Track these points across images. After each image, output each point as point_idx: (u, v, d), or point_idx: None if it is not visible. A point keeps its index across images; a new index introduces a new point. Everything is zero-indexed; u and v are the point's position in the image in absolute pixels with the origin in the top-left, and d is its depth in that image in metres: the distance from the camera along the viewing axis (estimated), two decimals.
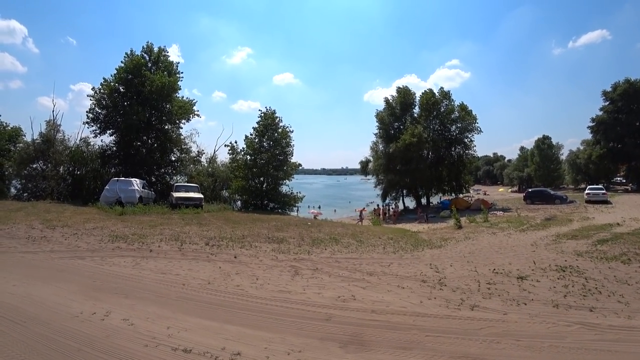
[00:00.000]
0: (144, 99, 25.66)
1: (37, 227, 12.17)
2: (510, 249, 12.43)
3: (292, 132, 24.68)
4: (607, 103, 52.87)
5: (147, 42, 27.34)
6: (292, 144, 24.59)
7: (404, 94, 40.43)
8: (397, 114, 40.53)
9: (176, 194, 19.93)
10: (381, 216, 34.03)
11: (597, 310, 6.14)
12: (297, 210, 27.95)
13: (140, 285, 6.90)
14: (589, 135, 55.70)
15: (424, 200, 42.85)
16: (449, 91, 40.68)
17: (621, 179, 58.19)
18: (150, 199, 21.60)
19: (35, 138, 26.09)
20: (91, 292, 6.38)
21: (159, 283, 7.11)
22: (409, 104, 40.78)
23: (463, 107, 39.97)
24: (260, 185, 24.03)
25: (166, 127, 27.51)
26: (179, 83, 27.17)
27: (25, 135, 28.28)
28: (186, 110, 27.35)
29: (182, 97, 28.28)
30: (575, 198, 37.93)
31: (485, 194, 58.92)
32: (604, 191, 35.97)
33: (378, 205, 35.88)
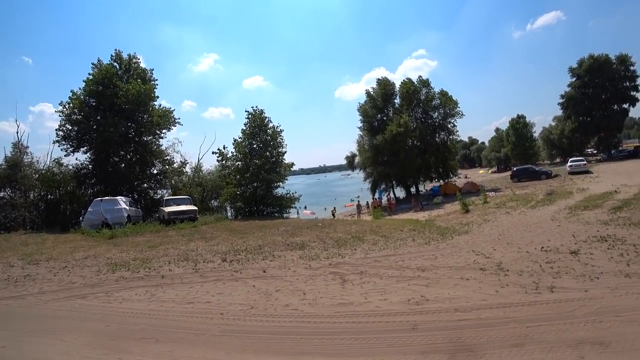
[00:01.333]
0: (118, 110, 23.55)
1: (17, 264, 10.29)
2: (536, 226, 12.36)
3: (283, 131, 23.24)
4: (574, 79, 54.07)
5: (115, 49, 25.21)
6: (284, 143, 23.17)
7: (384, 85, 39.67)
8: (379, 106, 39.71)
9: (168, 209, 18.16)
10: (376, 208, 33.06)
11: None
12: (298, 211, 26.73)
13: (168, 323, 5.48)
14: (553, 113, 57.30)
15: (413, 189, 42.35)
16: (427, 79, 40.26)
17: (592, 150, 59.92)
18: (139, 218, 19.67)
19: None
20: (108, 341, 4.92)
21: (190, 316, 5.71)
22: (390, 94, 40.05)
23: (444, 93, 39.62)
24: (254, 190, 22.46)
25: (145, 138, 25.43)
26: (155, 90, 25.14)
27: None
28: (166, 119, 25.36)
29: (160, 105, 26.30)
30: (557, 172, 38.38)
31: (466, 177, 59.25)
32: (584, 162, 36.77)
33: (374, 197, 34.98)
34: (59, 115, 22.99)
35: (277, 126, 23.15)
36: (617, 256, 7.47)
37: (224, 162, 23.21)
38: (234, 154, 23.11)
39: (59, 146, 23.44)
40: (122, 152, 25.30)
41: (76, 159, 24.28)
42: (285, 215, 22.77)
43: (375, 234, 12.45)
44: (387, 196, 39.13)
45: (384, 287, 6.65)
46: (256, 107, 23.18)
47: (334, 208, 36.09)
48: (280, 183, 23.50)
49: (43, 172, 23.24)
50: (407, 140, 36.83)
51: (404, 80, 40.25)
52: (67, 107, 22.97)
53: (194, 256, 10.00)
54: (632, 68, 51.19)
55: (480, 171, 73.59)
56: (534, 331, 4.41)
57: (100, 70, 23.40)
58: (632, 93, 51.68)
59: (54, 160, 23.79)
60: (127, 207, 18.00)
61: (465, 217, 17.37)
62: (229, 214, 25.46)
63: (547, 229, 11.67)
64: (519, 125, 63.17)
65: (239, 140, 23.10)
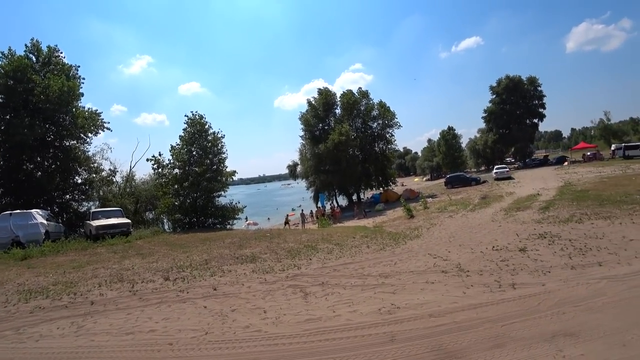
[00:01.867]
0: (34, 109, 20.59)
1: None
2: (480, 227, 13.24)
3: (224, 137, 21.98)
4: (494, 96, 59.63)
5: (32, 39, 22.11)
6: (225, 150, 21.91)
7: (325, 94, 40.05)
8: (320, 115, 39.96)
9: (95, 223, 16.06)
10: (320, 217, 32.88)
11: (604, 264, 6.97)
12: (246, 221, 25.24)
13: None
14: (475, 126, 62.92)
15: (354, 197, 43.03)
16: (367, 90, 41.48)
17: (510, 159, 66.19)
18: (60, 234, 17.19)
19: None
20: None
21: (131, 351, 4.79)
22: (331, 104, 40.55)
23: (382, 105, 41.05)
24: (194, 200, 20.91)
25: (68, 143, 22.58)
26: (80, 89, 22.46)
27: None
28: (93, 121, 22.76)
29: (84, 107, 23.56)
30: (485, 178, 41.57)
31: (403, 184, 61.93)
32: (507, 169, 40.43)
33: (318, 206, 34.76)
34: None
35: (218, 132, 21.92)
36: (559, 250, 8.27)
37: (160, 170, 21.31)
38: (171, 161, 21.35)
39: None
40: (39, 159, 22.17)
41: None
42: (228, 226, 21.49)
43: (328, 243, 12.08)
44: (330, 204, 39.24)
45: (350, 297, 6.36)
46: (196, 112, 21.74)
47: (287, 215, 34.92)
48: (222, 192, 22.19)
49: None
50: (348, 150, 37.41)
51: (344, 91, 41.06)
52: None
53: (130, 276, 8.72)
54: (539, 88, 57.87)
55: (415, 179, 77.55)
56: (509, 329, 4.52)
57: (12, 61, 20.29)
58: (540, 110, 58.33)
59: None
60: (45, 222, 15.58)
61: (411, 222, 17.80)
62: (167, 227, 23.48)
63: (490, 229, 12.53)
64: (449, 137, 67.86)
65: (177, 146, 21.42)
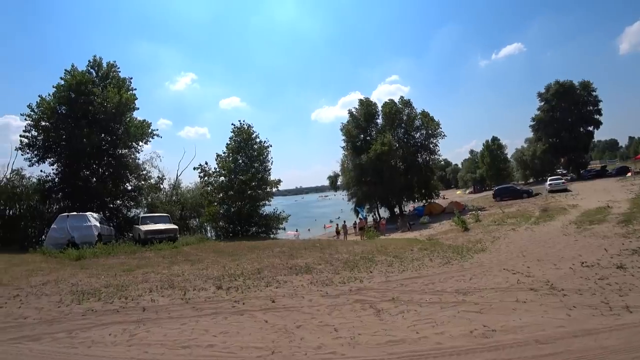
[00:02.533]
0: (92, 120, 21.45)
1: None
2: (552, 241, 12.06)
3: (270, 146, 21.70)
4: (543, 103, 56.11)
5: (94, 55, 23.27)
6: (270, 159, 21.59)
7: (367, 105, 39.30)
8: (362, 126, 39.18)
9: (144, 227, 16.10)
10: (362, 229, 31.72)
11: None
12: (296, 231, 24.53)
13: None
14: (518, 136, 59.34)
15: (396, 210, 41.50)
16: (409, 100, 40.25)
17: (561, 170, 61.74)
18: (111, 237, 17.44)
19: None
20: None
21: None
22: (372, 114, 39.69)
23: (425, 114, 39.63)
24: (238, 208, 20.64)
25: (121, 151, 23.32)
26: (135, 101, 23.24)
27: None
28: (144, 130, 23.38)
29: (136, 117, 24.30)
30: (537, 190, 38.64)
31: (444, 197, 59.33)
32: (563, 181, 37.42)
33: (360, 218, 33.69)
34: (25, 119, 20.63)
35: (265, 141, 21.66)
36: None
37: (206, 178, 21.31)
38: (217, 169, 21.31)
39: (21, 154, 20.98)
40: (94, 166, 23.01)
41: (41, 171, 21.84)
42: (272, 236, 21.00)
43: (385, 255, 11.12)
44: (372, 216, 38.01)
45: (430, 316, 5.48)
46: (243, 121, 21.68)
47: (340, 224, 32.87)
48: (267, 201, 21.82)
49: (1, 184, 20.56)
50: (391, 160, 36.19)
51: (386, 100, 40.10)
52: (35, 111, 20.68)
53: (181, 282, 8.23)
54: (594, 93, 53.76)
55: (457, 192, 74.28)
56: None
57: (74, 75, 21.34)
58: (596, 116, 54.07)
59: (14, 172, 21.15)
60: (98, 225, 15.81)
61: (468, 235, 16.43)
62: (209, 234, 23.42)
63: (566, 243, 11.40)
64: (494, 147, 64.54)
65: (223, 155, 21.37)
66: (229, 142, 21.42)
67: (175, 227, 17.05)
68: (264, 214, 21.47)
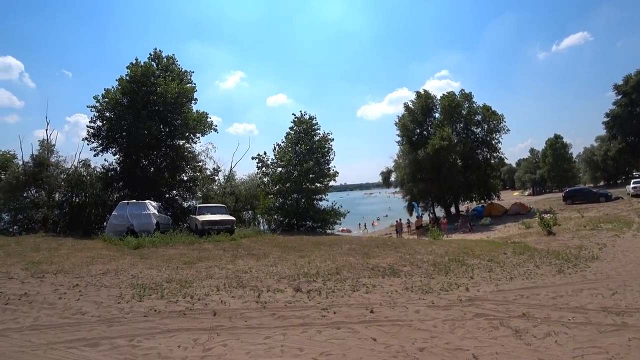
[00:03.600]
0: (152, 111, 21.40)
1: (17, 276, 7.55)
2: None
3: (333, 140, 20.33)
4: (620, 97, 49.98)
5: (155, 48, 23.23)
6: (332, 153, 20.21)
7: (425, 97, 36.78)
8: (418, 120, 36.76)
9: (201, 217, 15.40)
10: (410, 228, 29.62)
11: None
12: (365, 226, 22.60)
13: None
14: (582, 135, 53.22)
15: (452, 209, 38.69)
16: (470, 92, 37.15)
17: (638, 173, 54.89)
18: (168, 226, 17.02)
19: (26, 161, 21.46)
20: None
21: None
22: (430, 108, 37.10)
23: (487, 108, 36.41)
24: (296, 201, 19.54)
25: (178, 142, 23.17)
26: (195, 93, 22.94)
27: (18, 161, 23.59)
28: (201, 122, 23.02)
29: (195, 109, 24.03)
30: (617, 194, 34.10)
31: (499, 199, 54.99)
32: None
33: (417, 216, 31.53)
34: (91, 110, 20.96)
35: (328, 133, 20.33)
36: None
37: (263, 169, 20.40)
38: (275, 160, 20.33)
39: (87, 144, 21.36)
40: (153, 156, 23.03)
41: (104, 160, 22.17)
42: (329, 231, 19.68)
43: (475, 258, 9.32)
44: (429, 215, 35.63)
45: (593, 342, 4.01)
46: (305, 112, 20.50)
47: (397, 222, 30.81)
48: (324, 195, 20.52)
49: (69, 172, 21.08)
50: (450, 156, 33.51)
51: (445, 93, 37.31)
52: (100, 102, 20.97)
53: (250, 281, 7.06)
54: None
55: (515, 193, 68.78)
56: None
57: (138, 67, 21.37)
58: None
59: (81, 161, 21.64)
60: (156, 213, 15.36)
61: (558, 240, 13.99)
62: (263, 227, 22.60)
63: None
64: (558, 146, 58.90)
65: (282, 144, 20.35)
66: (288, 131, 20.34)
67: (233, 218, 16.25)
68: (321, 208, 20.19)
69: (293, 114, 20.59)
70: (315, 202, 19.94)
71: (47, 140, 22.04)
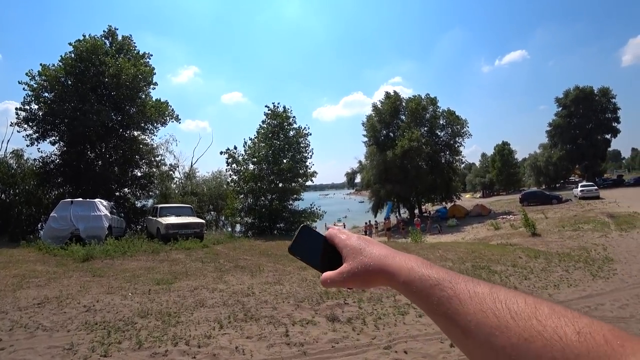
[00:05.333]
0: (102, 95, 18.18)
1: None
2: None
3: (310, 134, 18.44)
4: (560, 109, 53.72)
5: (109, 25, 19.87)
6: (310, 149, 18.34)
7: (394, 99, 36.26)
8: (386, 121, 36.15)
9: (165, 220, 12.85)
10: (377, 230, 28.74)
11: None
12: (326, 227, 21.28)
13: None
14: (521, 143, 56.96)
15: (416, 211, 38.59)
16: (435, 97, 37.28)
17: (574, 177, 59.41)
18: (122, 230, 14.24)
19: None
20: None
21: None
22: (398, 110, 36.68)
23: (451, 112, 36.76)
24: (269, 202, 17.48)
25: (133, 133, 20.05)
26: (153, 76, 19.90)
27: None
28: (160, 111, 20.05)
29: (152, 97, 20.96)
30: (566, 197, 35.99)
31: (461, 200, 56.62)
32: (595, 187, 34.68)
33: (385, 218, 30.63)
34: (23, 89, 17.21)
35: (304, 128, 18.42)
36: None
37: (234, 165, 18.01)
38: (245, 157, 18.05)
39: (18, 130, 17.62)
40: (101, 147, 19.69)
41: (38, 150, 18.45)
42: None
43: (497, 263, 8.13)
44: (395, 216, 35.05)
45: None
46: (278, 103, 18.41)
47: (367, 223, 30.25)
48: (298, 195, 18.66)
49: None
50: (417, 158, 33.23)
51: (412, 96, 37.15)
52: (35, 79, 17.29)
53: (260, 308, 5.10)
54: (613, 100, 51.51)
55: (466, 195, 71.41)
56: None
57: (86, 42, 17.95)
58: (614, 124, 51.84)
59: (12, 152, 17.73)
60: (109, 215, 12.57)
61: (542, 241, 13.47)
62: (228, 230, 20.25)
63: None
64: (505, 152, 61.97)
65: (254, 140, 18.11)
66: (261, 125, 18.15)
67: (202, 221, 13.82)
68: (296, 209, 18.29)
69: (266, 106, 18.48)
70: (289, 202, 17.99)
71: None
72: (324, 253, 0.61)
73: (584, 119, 51.72)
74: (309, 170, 18.15)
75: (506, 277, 6.92)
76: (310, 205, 18.75)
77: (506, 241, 15.44)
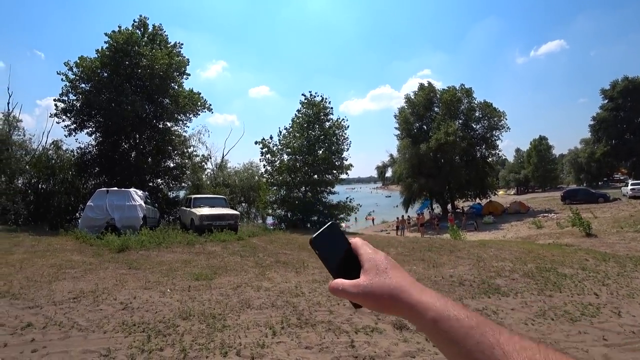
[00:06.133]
0: (138, 86, 18.10)
1: None
2: None
3: (348, 127, 17.61)
4: (607, 101, 49.96)
5: (140, 15, 19.78)
6: (348, 141, 17.54)
7: (428, 90, 34.68)
8: (419, 113, 34.68)
9: (200, 211, 12.50)
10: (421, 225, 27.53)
11: None
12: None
13: None
14: (559, 137, 53.17)
15: (449, 206, 37.03)
16: (470, 88, 35.34)
17: (619, 175, 55.46)
18: (156, 220, 14.05)
19: None
20: None
21: None
22: (432, 101, 35.10)
23: (487, 105, 34.75)
24: (303, 194, 16.87)
25: (167, 124, 19.96)
26: (187, 67, 19.69)
27: None
28: (194, 102, 19.83)
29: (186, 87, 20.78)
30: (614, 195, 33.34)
31: (497, 196, 54.11)
32: None
33: (419, 213, 29.46)
34: (62, 80, 17.37)
35: (343, 119, 17.60)
36: None
37: (268, 156, 17.48)
38: (280, 147, 17.46)
39: (57, 121, 17.83)
40: (135, 138, 19.71)
41: (76, 140, 18.69)
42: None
43: (562, 265, 7.09)
44: (429, 212, 33.77)
45: None
46: (315, 92, 17.61)
47: (399, 219, 28.14)
48: (331, 187, 17.93)
49: (37, 154, 17.51)
50: (453, 152, 31.66)
51: (446, 87, 35.37)
52: (72, 70, 17.41)
53: (313, 311, 4.44)
54: None
55: (500, 192, 68.51)
56: None
57: (121, 34, 17.91)
58: None
59: (52, 143, 18.00)
60: (143, 205, 12.34)
61: (600, 242, 12.10)
62: (261, 223, 19.85)
63: None
64: (542, 147, 58.69)
65: (289, 130, 17.48)
66: (297, 115, 17.48)
67: (236, 212, 13.39)
68: (330, 202, 17.59)
69: (302, 94, 17.75)
70: (323, 195, 17.30)
71: (9, 113, 18.32)
72: (344, 258, 0.57)
73: (633, 113, 47.81)
74: (345, 163, 17.36)
75: (579, 281, 5.93)
76: (346, 198, 17.97)
77: (556, 241, 14.12)
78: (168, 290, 5.28)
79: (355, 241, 0.59)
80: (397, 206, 50.86)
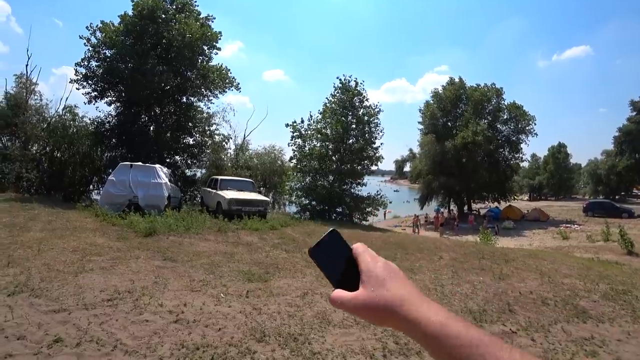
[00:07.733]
0: (162, 57, 16.88)
1: None
2: None
3: (381, 112, 16.35)
4: (635, 113, 47.98)
5: None
6: (381, 130, 16.34)
7: (459, 86, 33.12)
8: (446, 109, 33.21)
9: (228, 195, 11.42)
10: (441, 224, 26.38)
11: None
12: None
13: None
14: (576, 146, 51.29)
15: (465, 208, 35.80)
16: (501, 88, 33.69)
17: (637, 191, 53.73)
18: (178, 200, 13.04)
19: None
20: None
21: None
22: (460, 98, 33.58)
23: (516, 106, 33.17)
24: (330, 184, 15.77)
25: (188, 99, 18.79)
26: (219, 40, 18.38)
27: None
28: (223, 77, 18.60)
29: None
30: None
31: (517, 201, 52.65)
32: None
33: (436, 211, 28.25)
34: (84, 44, 16.20)
35: (376, 105, 16.35)
36: None
37: (298, 141, 16.30)
38: (309, 132, 16.27)
39: (77, 88, 16.73)
40: (156, 111, 18.59)
41: (96, 109, 17.60)
42: (366, 222, 16.11)
43: (632, 287, 5.95)
44: (450, 211, 32.61)
45: None
46: (349, 76, 16.31)
47: (416, 216, 26.86)
48: (360, 180, 16.82)
49: (52, 120, 16.47)
50: (478, 152, 30.31)
51: (475, 85, 33.78)
52: (95, 34, 16.23)
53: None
54: None
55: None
56: None
57: (147, 0, 16.62)
58: None
59: (67, 108, 16.92)
60: (168, 183, 11.28)
61: None
62: (282, 210, 18.83)
63: None
64: (561, 155, 56.95)
65: (319, 115, 16.28)
66: (329, 99, 16.24)
67: (267, 198, 12.38)
68: (359, 194, 16.48)
69: (337, 77, 16.39)
70: (351, 186, 16.19)
71: (27, 76, 17.25)
72: (345, 267, 0.54)
73: None
74: (377, 154, 16.18)
75: None
76: (377, 191, 16.84)
77: (595, 256, 12.85)
78: (222, 295, 4.21)
79: (356, 247, 0.55)
80: (407, 202, 49.46)
